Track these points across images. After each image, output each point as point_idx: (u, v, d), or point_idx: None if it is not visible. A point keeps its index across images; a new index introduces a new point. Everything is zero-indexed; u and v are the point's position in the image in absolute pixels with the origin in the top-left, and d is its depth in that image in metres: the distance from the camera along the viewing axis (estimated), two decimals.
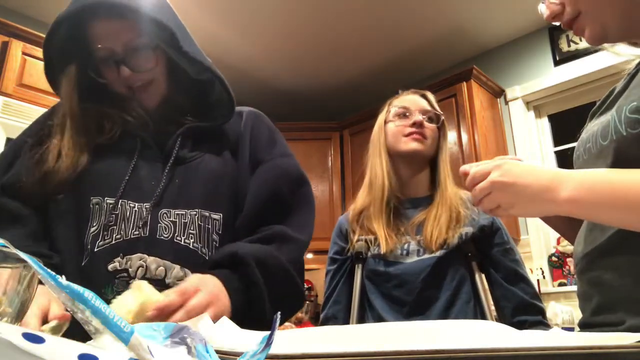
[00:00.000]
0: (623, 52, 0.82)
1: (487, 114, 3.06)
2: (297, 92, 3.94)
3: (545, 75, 3.04)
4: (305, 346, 0.42)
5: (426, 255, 1.22)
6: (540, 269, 2.82)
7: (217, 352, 0.36)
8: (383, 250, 1.24)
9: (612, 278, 0.69)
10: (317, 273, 4.04)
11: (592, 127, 0.79)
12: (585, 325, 0.76)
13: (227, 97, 0.98)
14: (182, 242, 0.87)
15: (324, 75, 3.70)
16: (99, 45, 0.89)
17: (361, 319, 1.26)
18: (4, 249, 0.36)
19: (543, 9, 0.81)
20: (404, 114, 1.34)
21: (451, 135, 3.02)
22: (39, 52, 2.56)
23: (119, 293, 0.78)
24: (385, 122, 1.37)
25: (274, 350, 0.32)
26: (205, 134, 0.98)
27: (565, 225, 0.91)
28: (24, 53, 2.52)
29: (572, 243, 0.94)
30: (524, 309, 1.21)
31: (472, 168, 0.76)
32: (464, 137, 2.95)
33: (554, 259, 2.83)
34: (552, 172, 0.68)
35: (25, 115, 2.38)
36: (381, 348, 0.35)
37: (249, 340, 0.47)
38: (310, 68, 3.60)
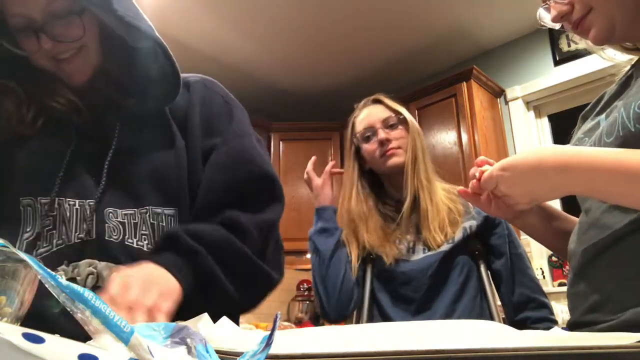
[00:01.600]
0: (617, 58, 0.82)
1: (487, 114, 3.06)
2: (297, 92, 3.94)
3: (545, 75, 3.04)
4: (305, 346, 0.42)
5: (432, 252, 1.23)
6: (540, 269, 2.82)
7: (217, 352, 0.36)
8: (388, 262, 1.24)
9: (612, 275, 0.69)
10: None
11: (589, 127, 0.79)
12: (576, 325, 0.75)
13: (172, 70, 0.81)
14: (135, 245, 0.75)
15: (324, 75, 3.69)
16: (13, 12, 0.73)
17: (370, 319, 1.26)
18: (4, 249, 0.36)
19: (543, 14, 0.80)
20: (368, 136, 1.34)
21: (451, 135, 3.03)
22: None
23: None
24: (359, 147, 1.37)
25: (274, 350, 0.32)
26: (148, 117, 0.83)
27: (547, 232, 0.91)
28: None
29: (556, 252, 0.94)
30: (526, 305, 1.21)
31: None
32: (464, 137, 2.95)
33: (554, 259, 2.83)
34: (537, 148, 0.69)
35: None
36: (381, 348, 0.35)
37: (249, 340, 0.47)
38: (310, 68, 3.60)
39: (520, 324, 1.19)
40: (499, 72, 3.25)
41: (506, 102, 3.21)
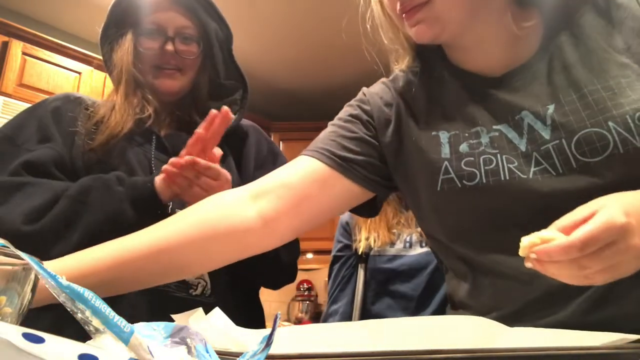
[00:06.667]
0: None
1: None
2: (297, 92, 3.94)
3: None
4: (305, 346, 0.42)
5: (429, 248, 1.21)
6: None
7: (217, 352, 0.36)
8: (376, 245, 1.23)
9: None
10: (317, 273, 4.04)
11: (469, 141, 0.66)
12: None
13: (240, 105, 1.03)
14: None
15: (324, 75, 3.69)
16: (153, 19, 0.94)
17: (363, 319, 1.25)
18: (4, 249, 0.36)
19: None
20: None
21: None
22: (39, 52, 2.56)
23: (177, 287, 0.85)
24: None
25: (274, 350, 0.32)
26: None
27: None
28: (24, 53, 2.52)
29: None
30: None
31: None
32: None
33: None
34: None
35: None
36: (380, 348, 0.35)
37: (243, 337, 0.47)
38: (310, 68, 3.60)
39: None
40: None
41: None
